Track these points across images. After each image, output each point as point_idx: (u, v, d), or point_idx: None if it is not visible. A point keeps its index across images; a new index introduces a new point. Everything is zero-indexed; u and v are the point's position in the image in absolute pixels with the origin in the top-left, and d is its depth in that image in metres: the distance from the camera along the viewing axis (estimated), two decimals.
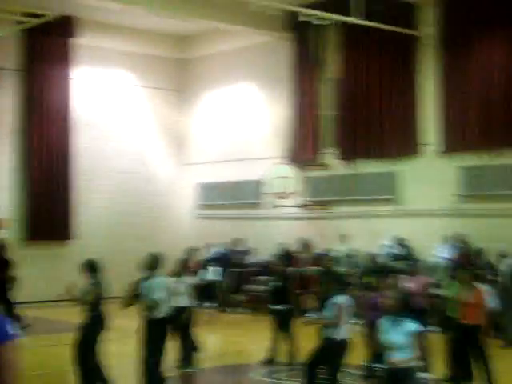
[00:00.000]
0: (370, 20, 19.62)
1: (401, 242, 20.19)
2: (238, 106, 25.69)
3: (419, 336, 7.65)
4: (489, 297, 11.96)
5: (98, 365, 10.10)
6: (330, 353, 9.26)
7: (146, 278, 9.39)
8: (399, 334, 7.49)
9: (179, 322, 11.79)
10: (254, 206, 24.73)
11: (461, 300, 10.54)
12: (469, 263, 16.64)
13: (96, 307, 10.04)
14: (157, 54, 26.75)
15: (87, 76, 25.17)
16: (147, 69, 26.56)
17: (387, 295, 7.74)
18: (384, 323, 7.67)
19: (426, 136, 20.48)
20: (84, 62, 24.73)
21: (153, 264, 9.50)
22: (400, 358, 7.42)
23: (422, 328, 7.64)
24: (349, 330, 9.34)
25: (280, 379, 12.07)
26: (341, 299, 9.14)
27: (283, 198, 22.37)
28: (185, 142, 27.39)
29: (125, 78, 26.22)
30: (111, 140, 25.61)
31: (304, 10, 19.62)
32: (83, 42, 24.30)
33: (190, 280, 12.56)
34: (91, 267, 10.19)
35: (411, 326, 7.56)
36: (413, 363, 7.58)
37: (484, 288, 12.15)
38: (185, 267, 12.75)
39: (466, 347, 10.58)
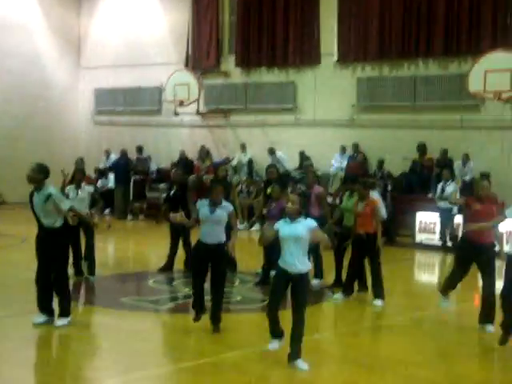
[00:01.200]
0: None
1: (301, 153, 20.51)
2: (137, 10, 24.90)
3: (316, 231, 7.94)
4: (381, 206, 12.34)
5: None
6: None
7: (38, 189, 9.12)
8: (298, 229, 7.79)
9: (79, 230, 11.70)
10: (154, 112, 24.41)
11: (356, 210, 10.84)
12: (365, 173, 17.10)
13: None
14: None
15: None
16: None
17: (290, 200, 7.93)
18: (282, 223, 7.95)
19: (327, 46, 20.55)
20: None
21: (42, 174, 9.16)
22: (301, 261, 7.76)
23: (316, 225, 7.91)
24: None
25: (177, 286, 12.24)
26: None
27: (183, 105, 22.17)
28: (81, 45, 26.47)
29: None
30: (3, 40, 24.34)
31: None
32: None
33: (88, 188, 12.40)
34: None
35: (310, 222, 7.88)
36: (307, 269, 7.84)
37: (377, 197, 12.55)
38: (82, 176, 12.53)
39: (362, 256, 10.98)
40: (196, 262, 9.16)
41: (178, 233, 13.09)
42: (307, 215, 8.12)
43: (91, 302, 11.25)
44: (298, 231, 7.80)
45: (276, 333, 8.09)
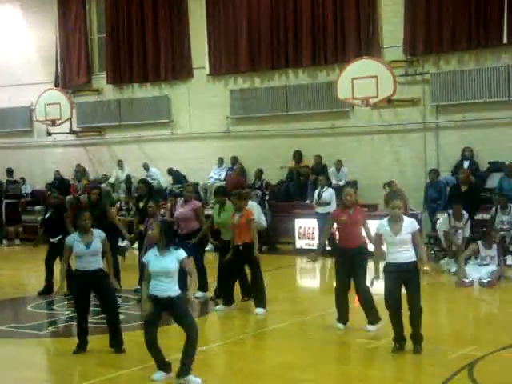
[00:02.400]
0: None
1: (172, 170, 20.51)
2: (1, 29, 24.17)
3: (187, 261, 7.90)
4: (259, 215, 12.51)
5: None
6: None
7: None
8: (167, 262, 7.66)
9: None
10: (25, 133, 23.77)
11: (233, 222, 10.92)
12: (241, 185, 17.27)
13: None
14: None
15: None
16: None
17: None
18: (151, 254, 7.82)
19: (198, 60, 20.66)
20: None
21: None
22: (168, 287, 7.63)
23: (186, 254, 7.84)
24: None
25: (57, 310, 11.94)
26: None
27: (55, 124, 21.71)
28: None
29: None
30: None
31: None
32: None
33: None
34: None
35: (179, 253, 7.76)
36: (176, 292, 7.72)
37: (255, 207, 12.71)
38: None
39: (241, 266, 11.07)
40: (79, 291, 9.01)
41: (56, 255, 12.80)
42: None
43: None
44: (168, 265, 7.66)
45: (160, 364, 7.86)
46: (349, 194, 9.73)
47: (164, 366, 7.84)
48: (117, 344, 8.93)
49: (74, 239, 8.96)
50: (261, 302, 11.00)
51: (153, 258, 7.76)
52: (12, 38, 23.91)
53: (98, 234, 8.98)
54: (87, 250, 8.81)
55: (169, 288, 7.65)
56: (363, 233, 9.77)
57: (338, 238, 10.01)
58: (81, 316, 9.03)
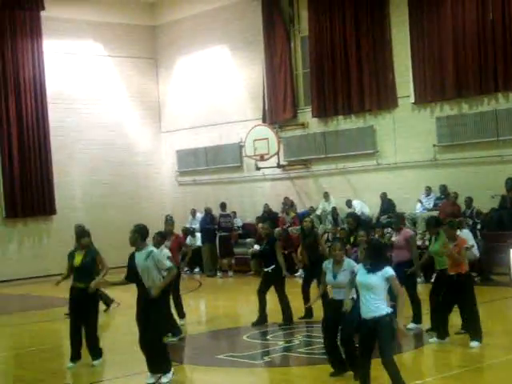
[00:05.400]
0: None
1: (383, 197, 20.40)
2: (211, 70, 25.47)
3: (394, 280, 7.79)
4: (472, 244, 12.11)
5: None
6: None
7: (139, 249, 9.45)
8: (374, 278, 7.70)
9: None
10: (235, 169, 24.72)
11: (446, 252, 10.64)
12: (453, 214, 16.80)
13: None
14: (125, 22, 26.31)
15: (58, 49, 24.79)
16: (117, 38, 26.17)
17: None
18: (360, 268, 7.97)
19: (403, 88, 20.47)
20: (54, 34, 24.39)
21: (143, 235, 9.54)
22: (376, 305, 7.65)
23: (394, 273, 7.79)
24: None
25: (272, 340, 12.18)
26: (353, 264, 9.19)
27: (264, 159, 22.38)
28: (161, 109, 27.20)
29: (95, 48, 25.82)
30: (86, 112, 25.31)
31: None
32: (52, 14, 23.96)
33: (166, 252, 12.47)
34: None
35: (387, 270, 7.75)
36: (385, 311, 7.69)
37: (466, 236, 12.32)
38: (163, 238, 12.55)
39: (453, 300, 10.75)
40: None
41: (269, 286, 13.15)
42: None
43: (189, 361, 11.28)
44: (371, 281, 7.76)
45: None
46: None
47: None
48: None
49: (327, 267, 9.23)
50: (475, 334, 10.59)
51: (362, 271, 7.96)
52: (222, 78, 25.12)
53: (350, 267, 9.03)
54: (334, 281, 9.08)
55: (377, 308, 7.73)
56: None
57: None
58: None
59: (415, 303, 11.79)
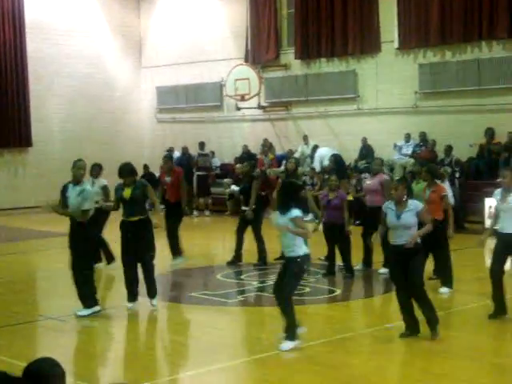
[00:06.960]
0: None
1: (363, 141, 20.39)
2: (195, 6, 25.01)
3: (298, 221, 7.77)
4: (450, 193, 12.14)
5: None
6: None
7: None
8: (281, 220, 7.76)
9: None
10: (215, 108, 24.52)
11: (424, 198, 10.66)
12: (430, 161, 16.83)
13: None
14: None
15: None
16: None
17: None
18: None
19: (387, 33, 20.29)
20: None
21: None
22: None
23: None
24: None
25: (246, 280, 12.27)
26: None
27: (244, 99, 22.21)
28: (142, 44, 26.77)
29: None
30: (66, 44, 24.79)
31: None
32: None
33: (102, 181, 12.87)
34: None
35: (292, 212, 7.76)
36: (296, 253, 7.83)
37: (445, 184, 12.35)
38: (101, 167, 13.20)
39: (426, 246, 10.79)
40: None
41: (246, 226, 13.17)
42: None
43: (161, 298, 11.32)
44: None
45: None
46: None
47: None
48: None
49: (387, 207, 8.45)
50: (447, 281, 10.74)
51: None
52: (205, 15, 24.70)
53: (414, 207, 8.31)
54: (397, 221, 8.25)
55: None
56: None
57: None
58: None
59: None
